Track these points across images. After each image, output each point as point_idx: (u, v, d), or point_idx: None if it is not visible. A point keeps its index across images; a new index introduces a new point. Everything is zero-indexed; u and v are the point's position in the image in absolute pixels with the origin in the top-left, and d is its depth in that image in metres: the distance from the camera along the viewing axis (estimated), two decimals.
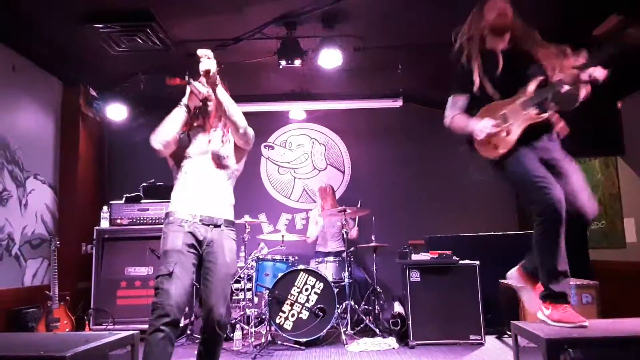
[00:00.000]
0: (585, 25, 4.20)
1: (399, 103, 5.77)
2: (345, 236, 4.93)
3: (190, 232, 2.41)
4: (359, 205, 5.11)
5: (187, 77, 2.50)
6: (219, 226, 2.50)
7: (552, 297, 2.25)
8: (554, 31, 4.43)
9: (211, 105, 2.62)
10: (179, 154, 2.54)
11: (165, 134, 2.44)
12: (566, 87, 2.38)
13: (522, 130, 2.44)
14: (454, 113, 2.70)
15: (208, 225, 2.47)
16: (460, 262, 4.38)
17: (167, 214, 2.50)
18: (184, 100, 2.54)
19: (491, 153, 2.55)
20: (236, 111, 2.56)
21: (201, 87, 2.54)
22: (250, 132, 2.66)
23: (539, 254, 2.35)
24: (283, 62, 4.50)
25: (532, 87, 2.45)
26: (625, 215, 4.80)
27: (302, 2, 4.03)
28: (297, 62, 4.51)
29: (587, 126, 4.86)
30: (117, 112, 5.68)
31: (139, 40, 4.30)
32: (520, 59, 2.52)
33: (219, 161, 2.57)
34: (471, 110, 2.65)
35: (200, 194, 2.50)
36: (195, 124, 2.61)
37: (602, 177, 5.14)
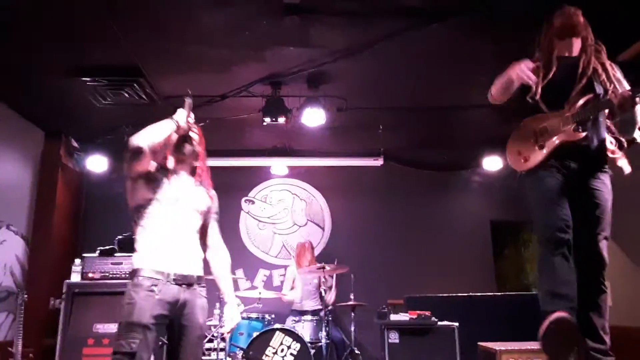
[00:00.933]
0: (610, 49, 4.23)
1: (379, 162, 5.87)
2: (323, 294, 4.86)
3: (161, 299, 2.16)
4: (335, 263, 5.06)
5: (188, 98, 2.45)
6: (192, 284, 2.30)
7: (551, 307, 2.14)
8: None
9: (191, 147, 2.44)
10: (147, 196, 2.29)
11: (152, 135, 2.22)
12: (616, 110, 2.24)
13: (554, 147, 2.31)
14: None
15: (181, 285, 2.24)
16: (439, 323, 4.34)
17: (135, 272, 2.23)
18: (178, 117, 2.37)
19: (520, 166, 2.46)
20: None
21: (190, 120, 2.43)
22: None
23: (539, 277, 2.27)
24: (267, 119, 4.58)
25: (580, 102, 2.30)
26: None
27: (288, 64, 4.17)
28: (281, 120, 4.59)
29: None
30: (97, 163, 5.66)
31: (126, 94, 4.35)
32: (578, 70, 2.37)
33: (194, 210, 2.40)
34: (518, 116, 2.53)
35: (173, 247, 2.28)
36: (172, 164, 2.41)
37: None
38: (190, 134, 2.43)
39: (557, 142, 2.30)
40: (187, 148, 2.42)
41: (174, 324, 2.25)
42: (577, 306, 2.16)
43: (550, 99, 2.36)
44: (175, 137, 2.37)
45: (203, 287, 2.39)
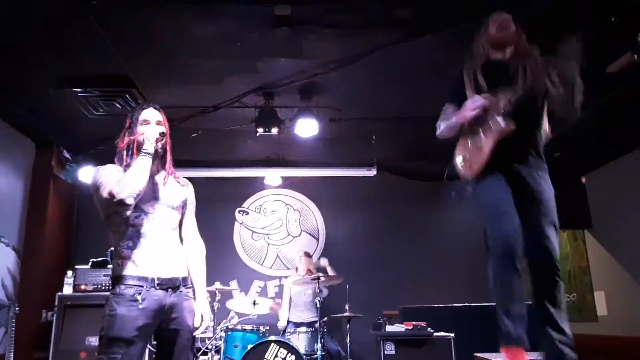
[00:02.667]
0: (598, 61, 4.27)
1: (373, 172, 5.87)
2: (317, 305, 4.82)
3: (144, 309, 2.04)
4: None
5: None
6: (178, 287, 2.17)
7: (507, 340, 2.14)
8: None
9: (160, 148, 2.27)
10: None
11: (136, 184, 2.07)
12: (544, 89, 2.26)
13: (493, 145, 2.29)
14: (440, 121, 2.59)
15: (166, 289, 2.13)
16: (435, 334, 4.30)
17: (115, 280, 2.09)
18: (149, 148, 2.17)
19: (467, 173, 2.45)
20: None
21: (157, 132, 2.23)
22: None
23: (494, 291, 2.24)
24: (260, 130, 4.58)
25: (507, 99, 2.30)
26: (595, 289, 4.85)
27: (281, 75, 4.18)
28: (274, 130, 4.59)
29: (556, 199, 5.02)
30: (89, 175, 5.62)
31: (118, 105, 4.34)
32: (508, 71, 2.40)
33: (171, 209, 2.28)
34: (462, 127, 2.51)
35: (154, 251, 2.15)
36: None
37: (570, 250, 5.25)
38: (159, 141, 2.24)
39: (491, 139, 2.29)
40: (158, 151, 2.26)
41: (162, 330, 2.14)
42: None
43: None
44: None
45: (189, 288, 2.27)
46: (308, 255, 5.84)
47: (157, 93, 4.37)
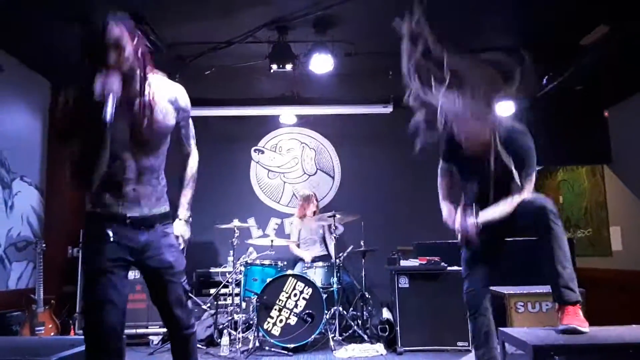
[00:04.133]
0: (573, 34, 4.26)
1: (389, 109, 5.78)
2: (333, 241, 4.90)
3: (116, 242, 1.98)
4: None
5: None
6: (152, 226, 2.08)
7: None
8: (542, 40, 4.53)
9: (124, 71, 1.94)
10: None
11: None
12: None
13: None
14: (440, 180, 2.86)
15: (139, 227, 2.04)
16: (449, 268, 4.39)
17: (85, 218, 2.02)
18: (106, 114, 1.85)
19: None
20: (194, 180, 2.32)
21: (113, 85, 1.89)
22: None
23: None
24: (274, 67, 4.50)
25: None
26: (611, 224, 4.85)
27: (295, 7, 4.04)
28: (289, 67, 4.50)
29: (575, 134, 4.94)
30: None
31: None
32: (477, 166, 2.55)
33: (145, 150, 2.05)
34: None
35: (128, 193, 2.03)
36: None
37: (588, 185, 5.20)
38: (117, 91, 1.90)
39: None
40: (110, 58, 1.91)
41: (143, 268, 2.10)
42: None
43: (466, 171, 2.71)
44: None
45: (168, 224, 2.17)
46: (315, 197, 5.92)
47: (168, 29, 4.29)
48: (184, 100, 2.18)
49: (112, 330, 1.93)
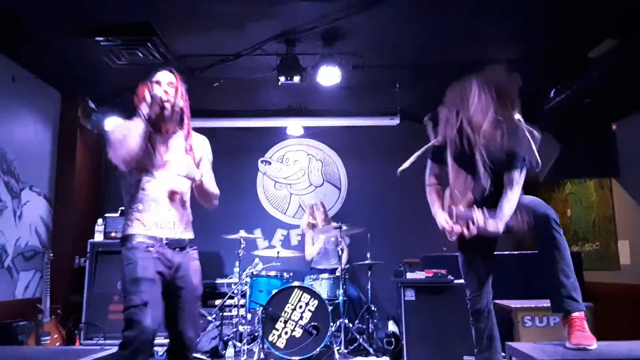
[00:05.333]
0: (581, 47, 4.27)
1: (396, 121, 5.79)
2: (340, 253, 4.90)
3: (158, 258, 2.22)
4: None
5: (148, 83, 2.33)
6: (184, 248, 2.35)
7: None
8: (550, 53, 4.54)
9: (169, 109, 2.34)
10: (136, 167, 2.30)
11: (127, 151, 2.20)
12: None
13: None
14: (429, 181, 2.87)
15: (174, 248, 2.30)
16: (455, 281, 4.36)
17: (127, 238, 2.25)
18: (144, 109, 2.26)
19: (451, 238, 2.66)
20: (214, 189, 2.51)
21: (161, 92, 2.32)
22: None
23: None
24: (282, 79, 4.53)
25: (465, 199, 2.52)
26: (620, 238, 4.80)
27: (302, 20, 4.07)
28: (296, 79, 4.53)
29: (583, 147, 4.91)
30: (115, 124, 5.67)
31: (140, 54, 4.31)
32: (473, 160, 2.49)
33: (181, 175, 2.39)
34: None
35: (163, 213, 2.30)
36: (152, 133, 2.35)
37: (596, 198, 5.16)
38: (165, 102, 2.32)
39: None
40: (167, 114, 2.34)
41: (170, 287, 2.27)
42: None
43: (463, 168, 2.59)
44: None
45: (195, 249, 2.44)
46: (324, 206, 5.90)
47: (178, 41, 4.33)
48: (207, 147, 2.57)
49: (151, 334, 2.08)
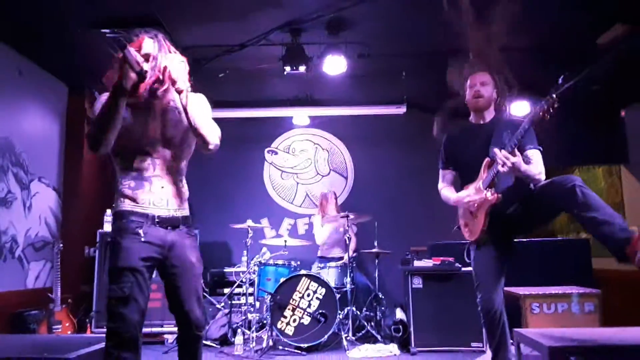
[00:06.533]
0: (589, 34, 4.22)
1: (402, 110, 5.78)
2: (347, 242, 4.92)
3: (147, 242, 2.08)
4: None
5: (123, 49, 1.97)
6: (178, 226, 2.19)
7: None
8: (558, 39, 4.49)
9: (152, 77, 2.06)
10: (122, 142, 2.10)
11: (99, 136, 2.01)
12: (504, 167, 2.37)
13: (485, 216, 2.52)
14: (442, 185, 2.93)
15: (166, 227, 2.15)
16: (463, 269, 4.37)
17: (116, 215, 2.11)
18: (123, 82, 1.98)
19: (468, 237, 2.73)
20: (206, 123, 2.14)
21: (139, 57, 2.01)
22: (217, 143, 2.19)
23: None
24: (288, 69, 4.52)
25: (482, 168, 2.57)
26: (629, 224, 4.78)
27: (307, 9, 4.06)
28: (302, 69, 4.53)
29: (591, 134, 4.89)
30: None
31: None
32: (488, 134, 2.63)
33: (173, 149, 2.21)
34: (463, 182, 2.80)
35: (156, 190, 2.15)
36: (135, 102, 2.11)
37: (605, 185, 5.14)
38: (145, 67, 2.01)
39: (484, 210, 2.53)
40: (149, 85, 2.08)
41: (167, 267, 2.18)
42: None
43: (472, 167, 2.67)
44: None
45: (189, 226, 2.27)
46: (335, 195, 5.92)
47: (183, 32, 4.33)
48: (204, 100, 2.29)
49: (133, 327, 2.00)
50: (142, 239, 2.06)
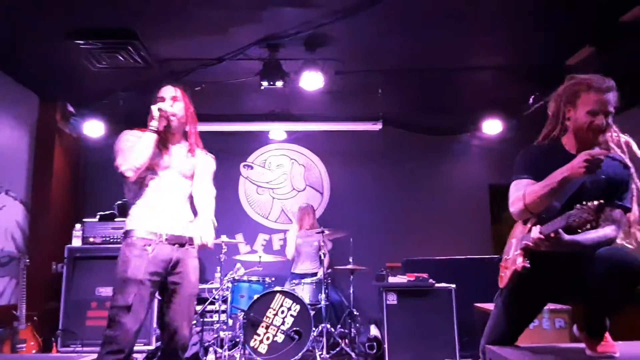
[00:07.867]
0: (559, 55, 4.35)
1: (378, 126, 5.84)
2: (322, 257, 4.89)
3: (154, 257, 2.30)
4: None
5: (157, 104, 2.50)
6: (184, 245, 2.43)
7: None
8: (529, 60, 4.61)
9: (175, 121, 2.53)
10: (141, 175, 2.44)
11: (137, 159, 2.32)
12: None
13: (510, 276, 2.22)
14: (522, 192, 2.14)
15: (173, 244, 2.38)
16: (437, 285, 4.40)
17: (127, 233, 2.35)
18: (154, 124, 2.42)
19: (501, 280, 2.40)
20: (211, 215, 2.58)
21: (166, 106, 2.50)
22: None
23: None
24: (265, 83, 4.53)
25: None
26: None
27: (286, 26, 4.08)
28: (279, 84, 4.53)
29: None
30: (94, 128, 5.59)
31: (120, 58, 4.27)
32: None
33: (182, 177, 2.53)
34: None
35: (165, 211, 2.41)
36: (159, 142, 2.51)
37: None
38: (171, 114, 2.51)
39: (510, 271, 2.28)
40: (173, 124, 2.52)
41: (167, 282, 2.36)
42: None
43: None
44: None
45: (194, 248, 2.49)
46: (313, 209, 5.91)
47: (159, 45, 4.29)
48: (211, 163, 2.76)
49: (130, 336, 2.15)
50: (150, 255, 2.27)
